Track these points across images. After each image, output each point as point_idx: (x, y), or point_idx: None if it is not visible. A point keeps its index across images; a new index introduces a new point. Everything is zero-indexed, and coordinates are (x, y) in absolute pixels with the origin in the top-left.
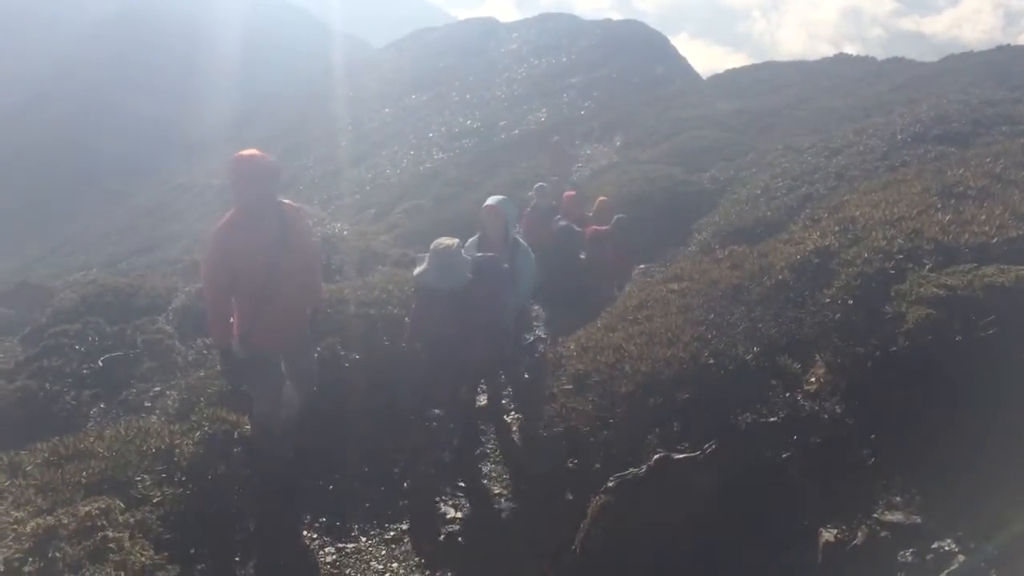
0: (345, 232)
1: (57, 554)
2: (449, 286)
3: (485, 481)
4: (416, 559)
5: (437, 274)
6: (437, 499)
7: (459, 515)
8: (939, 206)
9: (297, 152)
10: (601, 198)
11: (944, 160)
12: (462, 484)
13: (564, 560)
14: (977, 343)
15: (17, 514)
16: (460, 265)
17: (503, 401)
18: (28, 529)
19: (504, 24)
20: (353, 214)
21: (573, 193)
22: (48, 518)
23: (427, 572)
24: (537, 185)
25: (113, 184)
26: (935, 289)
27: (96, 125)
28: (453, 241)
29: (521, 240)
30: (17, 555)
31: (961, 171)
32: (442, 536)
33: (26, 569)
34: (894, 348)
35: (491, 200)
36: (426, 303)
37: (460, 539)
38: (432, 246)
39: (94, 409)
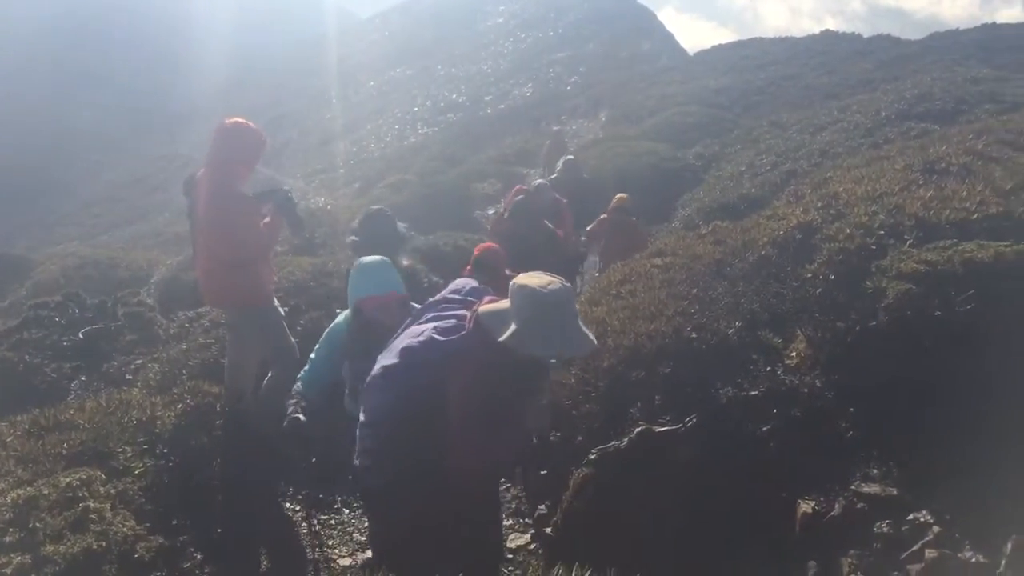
0: (329, 206)
1: (38, 524)
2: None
3: None
4: None
5: (545, 339)
6: None
7: None
8: (921, 182)
9: (281, 124)
10: (620, 195)
11: (927, 137)
12: None
13: (546, 531)
14: (956, 318)
15: None
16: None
17: None
18: (9, 500)
19: None
20: (337, 188)
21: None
22: (29, 489)
23: None
24: (537, 183)
25: (91, 155)
26: (915, 265)
27: (73, 95)
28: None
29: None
30: None
31: (943, 148)
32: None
33: (7, 539)
34: (874, 323)
35: (364, 275)
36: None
37: None
38: (521, 286)
39: (75, 382)
